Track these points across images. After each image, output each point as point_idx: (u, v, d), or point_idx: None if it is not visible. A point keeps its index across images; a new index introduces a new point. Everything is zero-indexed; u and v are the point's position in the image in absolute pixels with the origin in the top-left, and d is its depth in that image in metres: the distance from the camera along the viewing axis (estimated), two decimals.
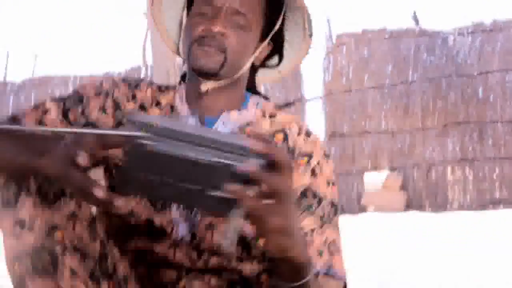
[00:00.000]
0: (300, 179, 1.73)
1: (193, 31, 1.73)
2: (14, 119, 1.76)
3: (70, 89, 12.80)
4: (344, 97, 11.67)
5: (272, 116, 1.83)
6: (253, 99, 1.85)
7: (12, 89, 13.10)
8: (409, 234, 7.74)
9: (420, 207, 10.87)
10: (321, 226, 1.70)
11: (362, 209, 11.06)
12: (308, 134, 1.79)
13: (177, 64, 5.88)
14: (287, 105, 2.28)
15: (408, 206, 10.92)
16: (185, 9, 1.87)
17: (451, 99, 11.16)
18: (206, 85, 1.75)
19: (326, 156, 1.78)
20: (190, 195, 1.28)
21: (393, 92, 11.48)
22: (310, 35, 1.84)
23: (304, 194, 1.72)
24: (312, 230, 1.69)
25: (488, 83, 11.09)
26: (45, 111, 1.77)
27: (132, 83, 1.85)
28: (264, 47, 1.81)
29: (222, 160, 1.24)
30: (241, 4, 1.72)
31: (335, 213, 1.76)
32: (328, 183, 1.75)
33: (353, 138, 11.54)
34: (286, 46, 1.90)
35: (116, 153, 1.56)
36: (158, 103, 1.84)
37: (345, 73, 11.78)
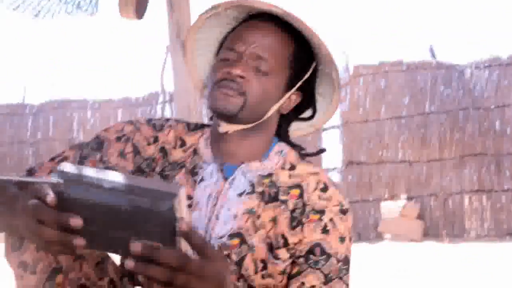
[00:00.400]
0: (310, 236, 1.73)
1: (215, 75, 1.75)
2: (30, 172, 1.78)
3: (89, 113, 12.91)
4: (361, 127, 11.65)
5: (292, 167, 1.82)
6: (277, 147, 1.86)
7: (31, 111, 13.16)
8: (426, 264, 7.69)
9: (437, 236, 10.79)
10: (326, 283, 1.70)
11: (379, 236, 11.00)
12: (324, 189, 1.78)
13: (199, 99, 5.93)
14: (316, 153, 2.23)
15: (425, 235, 10.86)
16: (215, 55, 1.90)
17: (468, 131, 11.13)
18: (225, 127, 1.76)
19: (343, 212, 1.77)
20: (118, 243, 1.27)
21: (410, 123, 11.45)
22: (338, 87, 1.85)
23: (311, 251, 1.72)
24: (313, 287, 1.70)
25: (505, 116, 11.03)
26: (61, 160, 1.78)
27: (157, 125, 1.87)
28: (292, 96, 1.82)
29: (138, 205, 1.23)
30: (263, 50, 1.74)
31: (347, 270, 1.76)
32: (342, 240, 1.75)
33: (370, 166, 11.50)
34: (320, 99, 1.92)
35: None
36: (183, 144, 1.85)
37: (362, 103, 11.74)
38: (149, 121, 1.88)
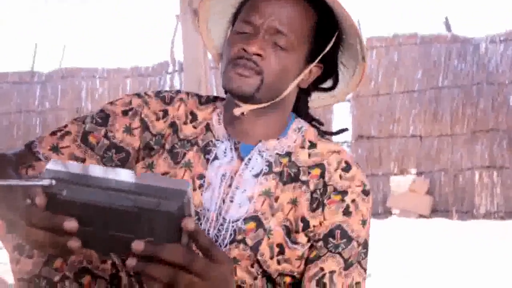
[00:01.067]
0: (330, 218, 1.64)
1: (230, 50, 1.63)
2: (29, 147, 1.68)
3: (97, 82, 12.84)
4: (372, 101, 11.58)
5: (312, 145, 1.72)
6: (295, 124, 1.75)
7: (39, 80, 13.10)
8: (434, 241, 7.63)
9: (446, 212, 10.76)
10: (346, 268, 1.61)
11: (387, 211, 10.98)
12: (346, 168, 1.68)
13: (209, 71, 5.84)
14: (336, 132, 2.11)
15: (434, 211, 10.80)
16: (231, 26, 1.77)
17: (481, 106, 11.03)
18: (240, 109, 1.65)
19: (365, 193, 1.68)
20: (119, 244, 1.15)
21: (422, 98, 11.36)
22: (363, 58, 1.73)
23: (331, 233, 1.63)
24: (332, 272, 1.61)
25: None
26: (63, 136, 1.69)
27: (167, 97, 1.76)
28: (312, 69, 1.70)
29: (143, 206, 1.11)
30: (282, 24, 1.61)
31: (366, 254, 1.67)
32: (364, 223, 1.66)
33: (380, 140, 11.44)
34: (343, 69, 1.80)
35: None
36: (194, 119, 1.75)
37: (374, 77, 11.67)
38: (158, 93, 1.77)
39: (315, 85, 1.78)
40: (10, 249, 1.55)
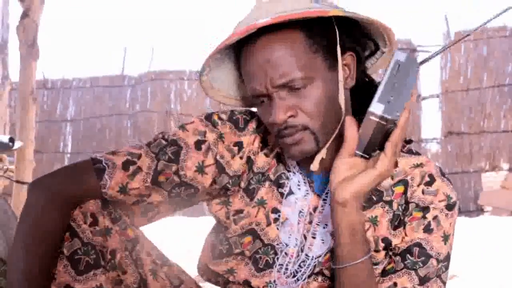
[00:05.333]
0: (410, 234, 1.59)
1: (267, 124, 1.56)
2: (99, 175, 1.57)
3: (186, 84, 12.99)
4: (462, 96, 11.37)
5: None
6: None
7: (129, 83, 13.36)
8: None
9: None
10: (422, 284, 1.56)
11: (479, 209, 10.79)
12: (430, 182, 1.60)
13: None
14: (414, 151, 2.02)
15: None
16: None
17: None
18: (316, 162, 1.54)
19: (449, 207, 1.60)
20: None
21: None
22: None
23: (410, 250, 1.58)
24: None
25: None
26: (135, 173, 1.58)
27: (240, 121, 1.67)
28: (346, 63, 1.56)
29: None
30: (283, 74, 1.48)
31: (447, 268, 1.61)
32: (446, 238, 1.59)
33: (471, 136, 11.23)
34: (368, 26, 1.60)
35: None
36: (264, 146, 1.67)
37: (463, 71, 11.46)
38: (231, 116, 1.67)
39: (361, 67, 1.62)
40: None
